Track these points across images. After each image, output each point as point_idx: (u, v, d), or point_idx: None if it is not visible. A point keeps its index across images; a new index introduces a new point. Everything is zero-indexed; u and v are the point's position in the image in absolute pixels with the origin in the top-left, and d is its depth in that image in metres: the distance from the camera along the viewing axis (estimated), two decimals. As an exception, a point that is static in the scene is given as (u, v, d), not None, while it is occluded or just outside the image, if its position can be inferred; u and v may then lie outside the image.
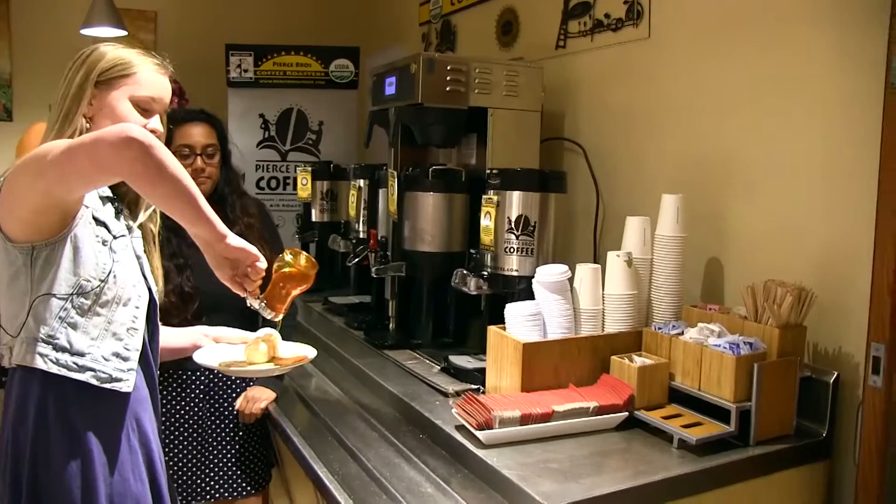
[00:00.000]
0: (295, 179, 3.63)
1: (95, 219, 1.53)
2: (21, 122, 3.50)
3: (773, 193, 2.00)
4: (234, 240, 1.51)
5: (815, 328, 1.83)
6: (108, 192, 1.60)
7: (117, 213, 1.60)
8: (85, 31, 3.55)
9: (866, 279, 1.73)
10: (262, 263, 1.56)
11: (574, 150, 2.66)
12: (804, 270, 1.88)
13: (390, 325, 2.64)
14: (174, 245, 2.16)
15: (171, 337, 1.84)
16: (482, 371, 2.07)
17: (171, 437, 2.22)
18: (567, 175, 2.25)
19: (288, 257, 1.70)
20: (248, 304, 1.64)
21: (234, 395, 2.27)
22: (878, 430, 1.56)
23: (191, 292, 2.16)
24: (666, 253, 2.02)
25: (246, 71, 3.89)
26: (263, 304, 1.66)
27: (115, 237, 1.55)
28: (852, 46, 1.79)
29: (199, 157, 2.24)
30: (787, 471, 1.73)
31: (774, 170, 2.00)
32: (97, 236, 1.52)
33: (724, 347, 1.72)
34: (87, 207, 1.51)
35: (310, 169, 3.44)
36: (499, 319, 2.03)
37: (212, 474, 2.24)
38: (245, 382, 2.29)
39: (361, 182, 2.97)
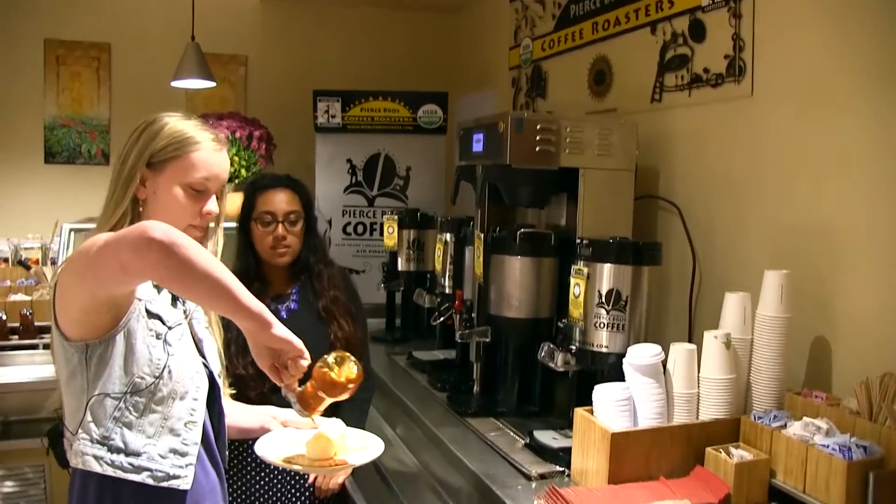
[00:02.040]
0: (382, 225, 3.62)
1: (148, 311, 1.49)
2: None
3: (887, 270, 1.83)
4: (279, 330, 1.43)
5: (938, 429, 1.66)
6: None
7: (174, 300, 1.57)
8: (175, 84, 3.64)
9: None
10: (306, 360, 1.48)
11: (669, 209, 2.54)
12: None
13: (474, 388, 2.56)
14: None
15: (240, 416, 1.80)
16: (568, 451, 1.97)
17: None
18: (662, 243, 2.14)
19: (331, 360, 1.59)
20: (283, 395, 1.58)
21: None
22: None
23: None
24: (768, 335, 1.88)
25: (333, 116, 3.90)
26: (295, 402, 1.59)
27: (169, 328, 1.51)
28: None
29: (280, 225, 2.21)
30: None
31: (888, 244, 1.83)
32: (150, 330, 1.48)
33: (834, 449, 1.57)
34: (139, 300, 1.47)
35: (396, 217, 3.41)
36: (587, 393, 1.93)
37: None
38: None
39: (448, 236, 2.91)
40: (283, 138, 4.04)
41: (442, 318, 2.78)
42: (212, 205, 1.56)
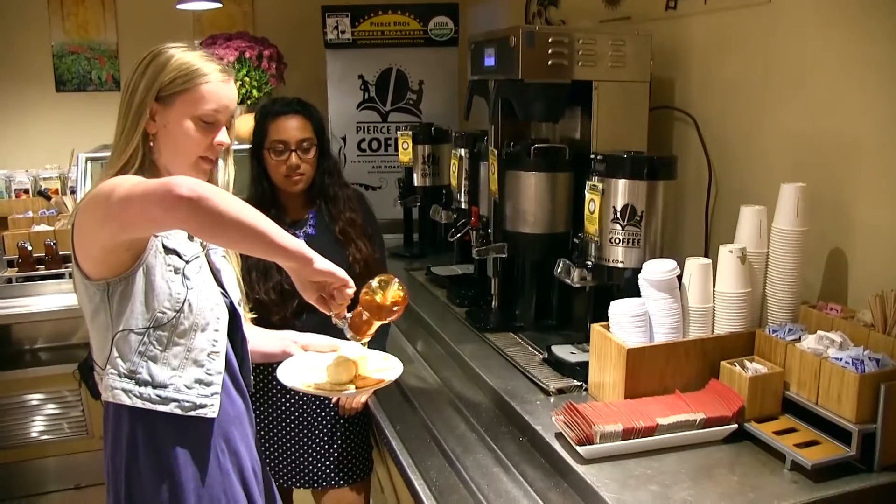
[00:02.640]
0: (396, 140, 3.60)
1: (165, 247, 1.51)
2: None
3: (907, 182, 1.81)
4: (320, 263, 1.47)
5: (951, 338, 1.67)
6: None
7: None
8: (181, 6, 3.57)
9: None
10: (351, 289, 1.53)
11: (684, 119, 2.50)
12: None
13: (493, 303, 2.60)
14: None
15: (261, 341, 1.84)
16: (585, 365, 2.01)
17: (277, 432, 2.27)
18: (677, 157, 2.12)
19: (375, 284, 1.64)
20: (333, 323, 1.63)
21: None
22: None
23: (290, 290, 2.15)
24: (784, 248, 1.87)
25: (343, 32, 3.82)
26: (346, 326, 1.65)
27: (187, 262, 1.53)
28: None
29: (293, 153, 2.20)
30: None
31: (908, 156, 1.81)
32: (169, 265, 1.50)
33: (847, 363, 1.60)
34: (156, 237, 1.49)
35: (410, 133, 3.39)
36: (604, 307, 1.96)
37: (317, 464, 2.27)
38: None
39: (462, 151, 2.90)
40: (294, 56, 3.98)
41: (458, 235, 2.80)
42: (222, 136, 1.57)
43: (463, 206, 2.94)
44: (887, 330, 1.66)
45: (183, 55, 1.53)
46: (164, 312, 1.49)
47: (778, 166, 2.13)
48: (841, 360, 1.61)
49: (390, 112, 3.95)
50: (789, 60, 2.11)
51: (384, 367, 1.77)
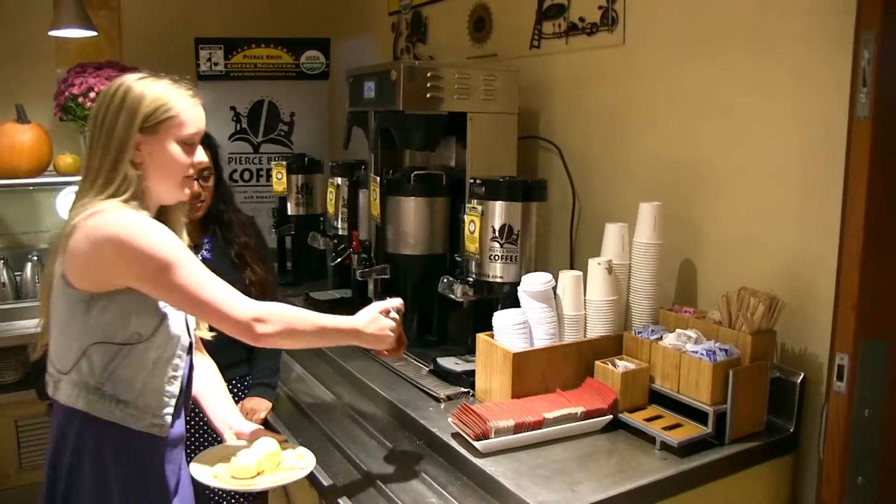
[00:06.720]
0: (268, 171, 3.67)
1: None
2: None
3: (744, 201, 2.11)
4: (369, 327, 1.77)
5: (783, 331, 1.96)
6: None
7: None
8: (54, 33, 3.50)
9: (829, 286, 1.81)
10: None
11: (549, 148, 2.75)
12: (773, 275, 2.00)
13: (375, 323, 2.72)
14: None
15: (210, 404, 1.91)
16: (470, 374, 2.17)
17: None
18: (547, 181, 2.34)
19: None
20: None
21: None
22: (842, 430, 1.69)
23: None
24: (644, 259, 2.13)
25: (216, 64, 3.87)
26: None
27: None
28: (825, 64, 1.88)
29: (195, 182, 2.25)
30: (758, 465, 1.87)
31: (746, 177, 2.10)
32: None
33: (702, 354, 1.85)
34: None
35: (285, 163, 3.48)
36: (483, 321, 2.14)
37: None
38: (240, 395, 2.35)
39: (340, 180, 3.02)
40: (165, 87, 3.95)
41: (339, 259, 2.91)
42: (200, 155, 1.64)
43: (341, 233, 3.05)
44: (732, 324, 1.93)
45: (155, 86, 1.57)
46: (137, 333, 1.53)
47: (637, 188, 2.40)
48: (697, 352, 1.86)
49: (262, 143, 4.01)
50: (644, 95, 2.39)
51: (294, 466, 1.79)
